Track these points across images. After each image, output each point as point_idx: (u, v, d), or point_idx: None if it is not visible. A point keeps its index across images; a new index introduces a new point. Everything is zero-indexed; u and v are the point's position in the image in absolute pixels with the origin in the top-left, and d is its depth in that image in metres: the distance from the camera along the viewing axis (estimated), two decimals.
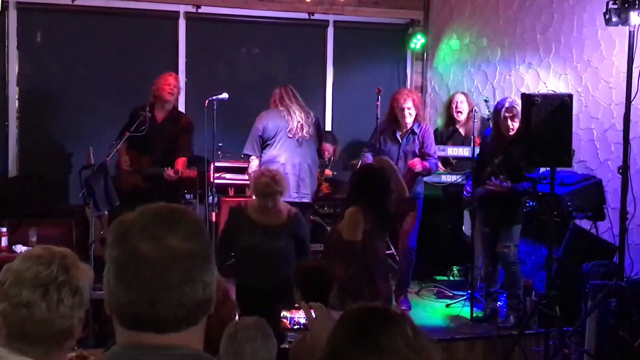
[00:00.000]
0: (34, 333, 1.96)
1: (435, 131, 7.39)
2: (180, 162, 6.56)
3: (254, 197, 5.52)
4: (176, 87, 6.73)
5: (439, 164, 6.85)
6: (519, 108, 5.71)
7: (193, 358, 1.48)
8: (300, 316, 4.26)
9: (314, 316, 2.66)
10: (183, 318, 1.46)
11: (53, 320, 1.96)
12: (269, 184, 5.32)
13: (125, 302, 1.44)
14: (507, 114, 5.86)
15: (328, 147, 7.72)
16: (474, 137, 6.37)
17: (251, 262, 5.45)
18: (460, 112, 7.18)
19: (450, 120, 7.29)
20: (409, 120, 6.39)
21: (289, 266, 5.27)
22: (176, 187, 6.79)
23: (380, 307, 1.62)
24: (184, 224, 1.49)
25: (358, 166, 6.10)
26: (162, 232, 1.45)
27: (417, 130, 6.44)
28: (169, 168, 6.45)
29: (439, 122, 7.53)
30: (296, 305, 4.21)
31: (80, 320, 2.03)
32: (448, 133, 7.32)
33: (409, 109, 6.36)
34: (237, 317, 3.17)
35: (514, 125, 5.82)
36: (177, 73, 7.92)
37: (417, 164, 6.36)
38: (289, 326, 4.23)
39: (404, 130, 6.42)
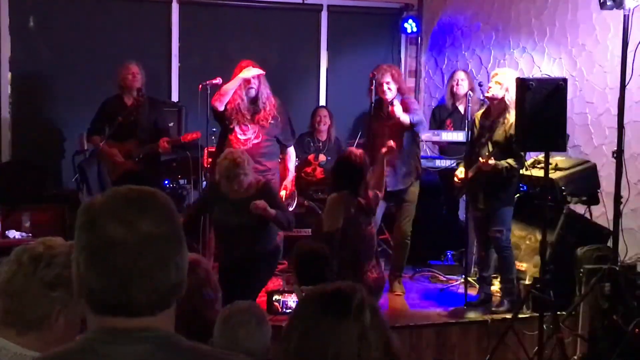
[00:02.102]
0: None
1: (434, 111, 7.40)
2: (165, 140, 6.53)
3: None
4: (139, 74, 6.68)
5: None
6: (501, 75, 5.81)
7: (165, 340, 1.46)
8: (292, 299, 4.28)
9: None
10: (157, 302, 1.44)
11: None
12: (230, 168, 5.26)
13: (97, 288, 1.42)
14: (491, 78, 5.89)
15: (323, 114, 7.67)
16: (468, 121, 6.35)
17: (224, 237, 5.48)
18: (460, 86, 7.21)
19: (451, 95, 7.33)
20: (389, 95, 6.29)
21: (260, 239, 5.32)
22: (160, 168, 6.86)
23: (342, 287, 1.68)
24: (155, 207, 1.47)
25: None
26: (133, 216, 1.43)
27: (398, 100, 6.28)
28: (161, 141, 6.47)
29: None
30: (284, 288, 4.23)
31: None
32: (448, 111, 7.34)
33: (387, 83, 6.28)
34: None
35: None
36: (170, 58, 7.93)
37: (397, 110, 6.13)
38: (280, 309, 4.25)
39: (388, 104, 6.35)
